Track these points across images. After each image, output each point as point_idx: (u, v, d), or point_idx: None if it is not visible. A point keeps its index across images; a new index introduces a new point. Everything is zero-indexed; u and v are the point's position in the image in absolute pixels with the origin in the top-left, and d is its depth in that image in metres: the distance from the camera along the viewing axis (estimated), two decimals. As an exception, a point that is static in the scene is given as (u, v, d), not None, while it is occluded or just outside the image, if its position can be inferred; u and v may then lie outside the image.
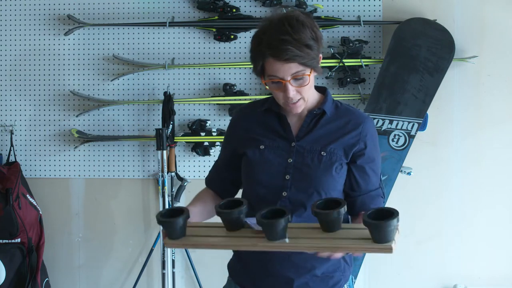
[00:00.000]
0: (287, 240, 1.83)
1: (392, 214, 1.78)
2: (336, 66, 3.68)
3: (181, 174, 3.85)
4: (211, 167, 2.30)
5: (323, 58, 3.38)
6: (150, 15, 3.87)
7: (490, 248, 3.76)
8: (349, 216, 2.12)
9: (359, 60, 3.69)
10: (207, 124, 3.79)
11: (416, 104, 3.60)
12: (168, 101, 3.76)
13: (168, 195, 3.77)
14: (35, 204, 3.78)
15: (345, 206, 1.83)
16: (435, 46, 3.61)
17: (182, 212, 1.90)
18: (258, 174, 2.07)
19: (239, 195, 2.19)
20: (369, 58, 3.73)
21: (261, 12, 3.80)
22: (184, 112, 3.87)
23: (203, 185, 2.27)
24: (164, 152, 3.72)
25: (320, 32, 2.00)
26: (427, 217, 3.80)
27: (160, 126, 3.78)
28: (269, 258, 2.02)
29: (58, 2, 3.92)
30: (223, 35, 3.80)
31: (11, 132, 3.93)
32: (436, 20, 3.67)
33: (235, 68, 3.83)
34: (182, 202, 3.79)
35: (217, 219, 1.97)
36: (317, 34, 1.98)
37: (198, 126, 3.78)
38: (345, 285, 2.11)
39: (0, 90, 3.97)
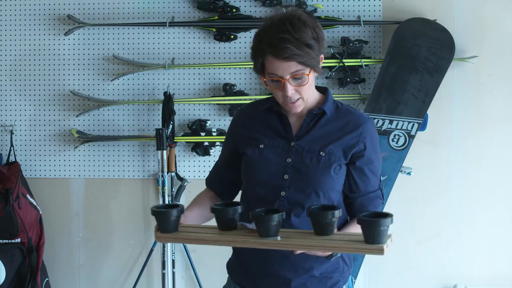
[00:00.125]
0: (279, 238, 1.85)
1: (386, 215, 1.80)
2: (336, 66, 3.68)
3: (181, 174, 3.85)
4: (211, 167, 2.30)
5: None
6: (150, 15, 3.87)
7: (490, 248, 3.76)
8: (348, 217, 2.12)
9: (359, 60, 3.69)
10: (207, 124, 3.79)
11: (416, 104, 3.60)
12: (168, 101, 3.76)
13: (168, 195, 3.77)
14: (35, 204, 3.78)
15: (340, 211, 1.84)
16: (435, 46, 3.61)
17: (177, 207, 1.96)
18: (257, 173, 2.07)
19: (239, 196, 2.20)
20: (369, 58, 3.73)
21: (261, 12, 3.80)
22: (184, 112, 3.87)
23: (203, 185, 2.28)
24: (164, 152, 3.72)
25: (322, 32, 2.00)
26: (427, 217, 3.80)
27: (160, 126, 3.78)
28: (267, 258, 2.02)
29: (58, 2, 3.92)
30: (223, 35, 3.80)
31: (11, 132, 3.93)
32: (436, 20, 3.67)
33: (235, 68, 3.83)
34: (182, 202, 3.79)
35: (214, 223, 1.98)
36: (319, 34, 1.98)
37: (198, 126, 3.78)
38: (343, 286, 2.11)
39: (0, 90, 3.97)
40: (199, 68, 3.84)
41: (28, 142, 3.96)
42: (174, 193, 3.81)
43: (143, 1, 3.88)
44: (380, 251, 1.77)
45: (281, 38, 1.92)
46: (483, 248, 3.77)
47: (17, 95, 3.96)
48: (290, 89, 1.97)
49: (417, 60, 3.61)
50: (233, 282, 2.17)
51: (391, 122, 3.61)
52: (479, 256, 3.78)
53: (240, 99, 3.76)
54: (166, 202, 3.74)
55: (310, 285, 2.04)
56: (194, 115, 3.86)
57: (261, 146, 2.07)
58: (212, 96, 3.83)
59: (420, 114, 3.61)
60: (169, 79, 3.87)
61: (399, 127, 3.61)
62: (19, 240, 3.65)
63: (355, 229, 1.92)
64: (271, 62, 1.95)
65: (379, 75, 3.65)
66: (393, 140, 3.61)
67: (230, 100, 3.77)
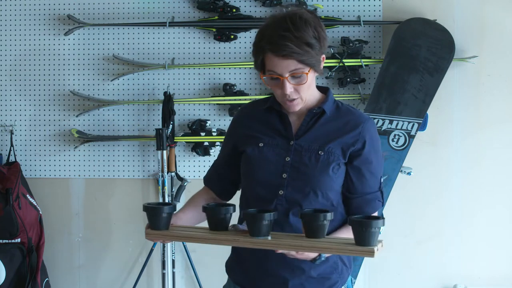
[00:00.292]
0: (269, 238, 1.85)
1: (377, 218, 1.81)
2: (336, 66, 3.68)
3: (181, 174, 3.85)
4: (210, 166, 2.30)
5: (323, 58, 3.38)
6: (150, 15, 3.87)
7: (490, 248, 3.76)
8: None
9: (359, 60, 3.69)
10: (207, 124, 3.79)
11: (416, 104, 3.60)
12: (168, 101, 3.76)
13: (168, 195, 3.77)
14: (35, 204, 3.78)
15: (331, 214, 1.84)
16: (435, 46, 3.61)
17: (169, 205, 1.98)
18: (256, 171, 2.07)
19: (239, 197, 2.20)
20: (369, 58, 3.73)
21: (261, 12, 3.80)
22: (184, 112, 3.87)
23: (203, 185, 2.27)
24: (164, 152, 3.72)
25: (324, 32, 1.99)
26: (427, 217, 3.80)
27: (160, 126, 3.78)
28: (265, 258, 2.02)
29: (58, 2, 3.92)
30: (223, 35, 3.80)
31: (11, 132, 3.93)
32: (436, 20, 3.67)
33: (235, 68, 3.83)
34: (182, 202, 3.79)
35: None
36: (321, 34, 1.97)
37: (198, 126, 3.78)
38: (342, 287, 2.10)
39: (0, 90, 3.97)
40: (199, 68, 3.84)
41: (28, 142, 3.96)
42: (174, 193, 3.81)
43: (143, 1, 3.88)
44: (371, 253, 1.76)
45: (281, 35, 1.92)
46: (483, 248, 3.77)
47: (17, 95, 3.96)
48: (289, 87, 1.97)
49: (417, 60, 3.61)
50: (232, 282, 2.17)
51: (391, 122, 3.61)
52: (479, 256, 3.78)
53: (240, 99, 3.76)
54: (166, 202, 3.74)
55: (308, 286, 2.04)
56: (194, 115, 3.86)
57: (261, 144, 2.07)
58: (212, 96, 3.83)
59: (420, 114, 3.61)
60: (169, 79, 3.87)
61: (399, 127, 3.61)
62: (19, 240, 3.65)
63: (348, 233, 1.92)
64: (270, 59, 1.95)
65: (379, 75, 3.65)
66: (393, 140, 3.61)
67: (230, 100, 3.77)
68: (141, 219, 3.91)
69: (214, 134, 3.76)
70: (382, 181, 2.09)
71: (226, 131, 3.73)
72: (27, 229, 3.66)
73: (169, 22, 3.81)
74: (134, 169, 3.91)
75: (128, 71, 3.87)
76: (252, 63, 2.05)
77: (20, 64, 3.96)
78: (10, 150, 3.91)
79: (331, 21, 3.71)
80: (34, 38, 3.94)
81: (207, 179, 2.25)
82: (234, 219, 2.01)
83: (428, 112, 3.62)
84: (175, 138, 3.78)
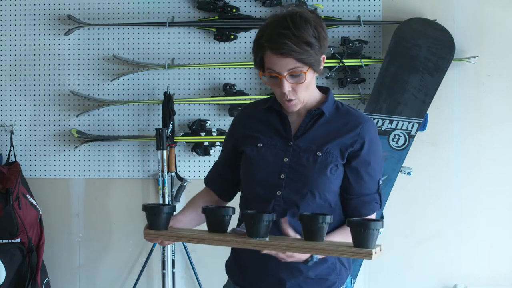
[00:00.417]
0: (267, 239, 1.85)
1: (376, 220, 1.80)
2: (336, 66, 3.68)
3: (181, 174, 3.85)
4: (211, 167, 2.30)
5: (323, 58, 3.38)
6: (150, 15, 3.87)
7: (490, 248, 3.76)
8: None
9: (359, 60, 3.69)
10: (207, 124, 3.79)
11: (416, 104, 3.60)
12: (168, 101, 3.76)
13: (168, 195, 3.77)
14: (35, 204, 3.78)
15: (331, 217, 1.82)
16: (435, 46, 3.61)
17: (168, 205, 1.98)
18: (254, 172, 2.07)
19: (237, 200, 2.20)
20: (369, 58, 3.73)
21: (261, 12, 3.80)
22: (184, 112, 3.87)
23: (203, 185, 2.27)
24: (164, 152, 3.72)
25: (325, 32, 1.98)
26: (427, 217, 3.80)
27: (160, 126, 3.78)
28: (265, 258, 2.01)
29: (58, 2, 3.92)
30: (223, 35, 3.80)
31: (11, 132, 3.93)
32: (436, 20, 3.67)
33: (235, 68, 3.83)
34: (182, 202, 3.79)
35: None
36: (321, 34, 1.96)
37: (198, 126, 3.78)
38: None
39: (0, 90, 3.97)
40: (199, 68, 3.84)
41: (28, 142, 3.96)
42: (174, 193, 3.81)
43: (143, 1, 3.88)
44: (368, 255, 1.74)
45: (281, 33, 1.92)
46: (483, 248, 3.77)
47: (17, 95, 3.96)
48: (287, 86, 1.97)
49: (417, 60, 3.61)
50: (232, 282, 2.17)
51: (391, 122, 3.61)
52: (479, 256, 3.78)
53: (240, 99, 3.76)
54: (166, 202, 3.74)
55: (305, 287, 2.03)
56: (194, 115, 3.86)
57: (260, 145, 2.07)
58: (212, 96, 3.83)
59: (420, 114, 3.61)
60: (169, 79, 3.87)
61: (399, 127, 3.61)
62: (19, 240, 3.65)
63: (343, 234, 1.91)
64: (269, 57, 1.95)
65: (379, 75, 3.65)
66: (393, 140, 3.61)
67: (230, 100, 3.77)
68: (141, 219, 3.90)
69: (214, 134, 3.76)
70: (380, 183, 2.07)
71: (226, 131, 3.75)
72: (27, 229, 3.66)
73: (169, 22, 3.81)
74: (134, 169, 3.91)
75: (128, 71, 3.87)
76: (252, 63, 2.05)
77: (20, 64, 3.96)
78: (10, 150, 3.91)
79: (331, 21, 3.71)
80: (34, 38, 3.94)
81: (207, 180, 2.25)
82: (234, 222, 2.00)
83: (428, 112, 3.62)
84: (175, 138, 3.78)
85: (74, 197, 3.97)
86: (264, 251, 1.85)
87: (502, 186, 3.76)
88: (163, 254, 3.77)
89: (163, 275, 3.78)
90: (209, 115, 3.85)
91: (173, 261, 3.80)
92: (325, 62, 2.05)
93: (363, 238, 1.75)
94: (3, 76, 3.96)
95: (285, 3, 3.73)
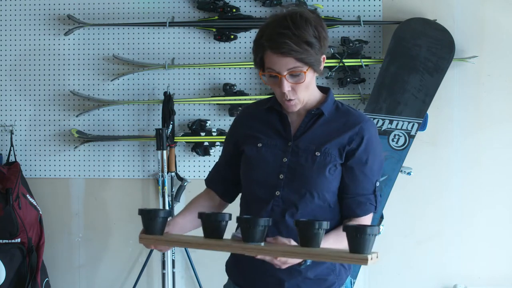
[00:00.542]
0: (262, 244, 1.82)
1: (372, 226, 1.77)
2: (336, 66, 3.68)
3: (181, 174, 3.85)
4: (211, 167, 2.29)
5: (323, 58, 3.38)
6: (150, 15, 3.87)
7: (490, 248, 3.76)
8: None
9: (359, 60, 3.69)
10: (207, 124, 3.79)
11: (416, 104, 3.60)
12: (168, 101, 3.76)
13: (168, 195, 3.77)
14: (35, 204, 3.78)
15: (328, 223, 1.79)
16: (435, 46, 3.61)
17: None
18: (254, 172, 2.07)
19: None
20: (369, 58, 3.73)
21: (261, 12, 3.80)
22: (184, 112, 3.87)
23: (203, 185, 2.27)
24: (164, 152, 3.72)
25: (325, 32, 1.98)
26: (427, 217, 3.80)
27: (160, 126, 3.78)
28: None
29: (58, 2, 3.92)
30: (223, 35, 3.80)
31: (11, 132, 3.93)
32: (436, 20, 3.67)
33: (235, 68, 3.83)
34: (182, 202, 3.79)
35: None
36: (321, 34, 1.96)
37: (198, 126, 3.78)
38: None
39: (0, 90, 3.97)
40: (199, 68, 3.84)
41: (28, 142, 3.96)
42: (174, 193, 3.81)
43: (143, 1, 3.88)
44: (364, 261, 1.72)
45: (281, 33, 1.92)
46: (483, 248, 3.77)
47: (17, 95, 3.96)
48: (287, 86, 1.96)
49: (417, 60, 3.61)
50: (232, 282, 2.17)
51: (391, 122, 3.61)
52: (479, 256, 3.78)
53: (240, 99, 3.76)
54: (166, 202, 3.74)
55: (304, 287, 2.03)
56: (194, 115, 3.86)
57: (259, 145, 2.07)
58: (212, 96, 3.83)
59: (420, 114, 3.61)
60: (169, 79, 3.87)
61: (399, 127, 3.61)
62: (19, 240, 3.65)
63: (339, 237, 1.89)
64: (269, 57, 1.95)
65: (379, 75, 3.65)
66: (393, 140, 3.61)
67: (230, 100, 3.77)
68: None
69: (214, 134, 3.76)
70: (377, 185, 2.04)
71: (226, 131, 3.75)
72: (27, 229, 3.66)
73: (169, 22, 3.81)
74: (134, 169, 3.91)
75: (128, 71, 3.87)
76: (252, 63, 2.05)
77: (20, 64, 3.96)
78: (10, 150, 3.91)
79: (331, 21, 3.71)
80: (34, 38, 3.94)
81: (208, 181, 2.24)
82: (230, 228, 1.96)
83: (428, 112, 3.62)
84: (175, 138, 3.77)
85: (74, 197, 3.97)
86: (258, 256, 1.82)
87: (502, 186, 3.76)
88: (163, 254, 3.77)
89: (163, 275, 3.78)
90: (209, 115, 3.85)
91: (173, 261, 3.80)
92: (325, 62, 2.04)
93: (359, 244, 1.72)
94: (3, 76, 3.96)
95: (285, 3, 3.73)
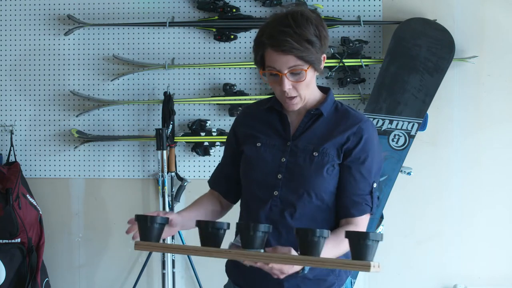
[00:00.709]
0: (262, 250, 1.78)
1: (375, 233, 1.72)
2: (336, 66, 3.68)
3: (181, 174, 3.85)
4: (211, 167, 2.30)
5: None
6: (150, 15, 3.87)
7: (490, 248, 3.76)
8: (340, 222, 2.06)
9: (359, 60, 3.69)
10: (207, 124, 3.79)
11: (416, 104, 3.60)
12: (168, 101, 3.76)
13: (168, 195, 3.77)
14: (35, 204, 3.78)
15: (329, 232, 1.74)
16: (435, 46, 3.61)
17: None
18: (253, 171, 2.07)
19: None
20: (369, 58, 3.73)
21: (261, 12, 3.80)
22: (184, 112, 3.87)
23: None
24: (164, 152, 3.72)
25: (326, 32, 1.99)
26: (427, 217, 3.80)
27: (160, 126, 3.78)
28: None
29: (58, 2, 3.92)
30: (223, 35, 3.80)
31: (11, 132, 3.93)
32: (436, 20, 3.67)
33: (235, 68, 3.83)
34: (182, 202, 3.79)
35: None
36: (322, 33, 1.97)
37: (198, 126, 3.79)
38: None
39: (0, 90, 3.97)
40: (199, 68, 3.84)
41: (28, 142, 3.96)
42: (174, 193, 3.81)
43: (143, 1, 3.88)
44: (366, 267, 1.67)
45: (282, 31, 1.92)
46: (483, 248, 3.77)
47: (17, 95, 3.96)
48: (287, 84, 1.96)
49: (417, 60, 3.61)
50: (231, 282, 2.17)
51: (391, 122, 3.61)
52: (479, 256, 3.78)
53: (240, 99, 3.76)
54: (166, 202, 3.74)
55: (304, 287, 2.03)
56: (194, 115, 3.86)
57: (258, 144, 2.07)
58: (212, 96, 3.83)
59: (420, 114, 3.61)
60: (169, 79, 3.87)
61: (399, 127, 3.61)
62: (19, 240, 3.65)
63: (337, 242, 1.88)
64: (270, 55, 1.95)
65: (379, 75, 3.65)
66: (393, 140, 3.61)
67: (230, 100, 3.77)
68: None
69: (214, 134, 3.76)
70: (375, 186, 2.02)
71: (226, 131, 3.75)
72: (27, 229, 3.66)
73: (169, 22, 3.81)
74: (134, 169, 3.91)
75: (128, 71, 3.87)
76: (252, 63, 2.05)
77: (20, 64, 3.96)
78: (10, 150, 3.91)
79: (331, 21, 3.71)
80: (34, 38, 3.94)
81: (211, 182, 2.24)
82: (228, 237, 1.90)
83: (428, 112, 3.62)
84: (175, 138, 3.77)
85: (74, 197, 3.97)
86: (258, 264, 1.79)
87: (502, 186, 3.76)
88: (163, 254, 3.77)
89: (163, 275, 3.78)
90: (209, 115, 3.85)
91: (173, 261, 3.80)
92: (325, 62, 2.04)
93: (362, 249, 1.68)
94: (3, 76, 3.96)
95: (285, 3, 3.73)
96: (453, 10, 3.73)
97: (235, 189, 2.19)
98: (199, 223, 1.84)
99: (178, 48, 3.87)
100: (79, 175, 3.95)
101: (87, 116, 3.91)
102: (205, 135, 3.77)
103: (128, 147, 3.91)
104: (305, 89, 2.00)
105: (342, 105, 2.10)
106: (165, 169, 3.74)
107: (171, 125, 3.75)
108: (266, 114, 2.12)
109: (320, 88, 2.11)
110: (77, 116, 3.90)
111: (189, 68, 3.85)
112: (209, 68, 3.83)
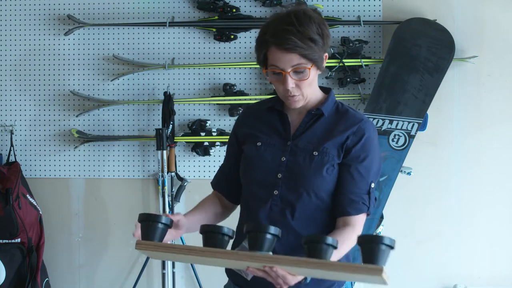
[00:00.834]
0: (270, 253, 1.74)
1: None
2: (336, 66, 3.68)
3: (181, 174, 3.85)
4: (211, 167, 2.30)
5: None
6: (150, 15, 3.87)
7: (490, 248, 3.76)
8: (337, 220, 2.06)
9: (359, 60, 3.69)
10: (207, 124, 3.79)
11: (416, 104, 3.60)
12: (168, 101, 3.76)
13: (168, 195, 3.77)
14: (35, 204, 3.78)
15: (337, 241, 1.70)
16: (435, 46, 3.61)
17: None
18: (253, 170, 2.07)
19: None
20: (369, 58, 3.73)
21: (261, 12, 3.80)
22: (184, 112, 3.87)
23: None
24: (164, 152, 3.72)
25: (328, 30, 1.99)
26: (427, 217, 3.80)
27: (160, 126, 3.78)
28: None
29: (58, 2, 3.92)
30: (223, 35, 3.80)
31: (11, 132, 3.93)
32: (436, 20, 3.67)
33: (235, 68, 3.83)
34: (182, 202, 3.80)
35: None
36: (324, 31, 1.97)
37: (198, 126, 3.79)
38: None
39: (0, 90, 3.97)
40: (199, 68, 3.84)
41: (28, 142, 3.96)
42: (174, 193, 3.81)
43: (143, 1, 3.88)
44: (379, 271, 1.62)
45: (285, 29, 1.92)
46: (483, 248, 3.77)
47: (17, 95, 3.96)
48: (291, 83, 1.96)
49: (417, 60, 3.61)
50: (231, 282, 2.17)
51: (391, 122, 3.61)
52: (479, 256, 3.78)
53: (240, 99, 3.76)
54: (166, 202, 3.74)
55: (304, 287, 2.03)
56: (194, 115, 3.86)
57: (259, 144, 2.07)
58: (212, 96, 3.83)
59: (420, 114, 3.61)
60: (169, 79, 3.87)
61: (399, 127, 3.61)
62: (19, 240, 3.65)
63: (340, 246, 1.84)
64: (273, 53, 1.95)
65: (379, 75, 3.65)
66: (393, 140, 3.61)
67: (230, 100, 3.77)
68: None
69: (214, 134, 3.76)
70: (373, 186, 2.01)
71: (226, 131, 3.75)
72: (27, 229, 3.66)
73: (169, 22, 3.81)
74: (134, 169, 3.91)
75: (128, 71, 3.87)
76: (253, 63, 2.06)
77: (20, 64, 3.96)
78: (10, 150, 3.91)
79: (331, 21, 3.71)
80: (34, 38, 3.94)
81: (214, 183, 2.24)
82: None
83: (428, 112, 3.62)
84: (175, 138, 3.77)
85: (74, 197, 3.97)
86: (260, 274, 1.76)
87: (502, 186, 3.76)
88: (163, 254, 3.77)
89: (163, 275, 3.78)
90: (209, 115, 3.85)
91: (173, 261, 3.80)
92: (326, 62, 2.04)
93: (374, 254, 1.64)
94: (3, 76, 3.96)
95: (285, 3, 3.73)
96: (453, 10, 3.73)
97: (237, 190, 2.19)
98: (202, 228, 1.80)
99: (178, 48, 3.87)
100: (79, 175, 3.95)
101: (87, 116, 3.91)
102: (205, 135, 3.77)
103: (128, 147, 3.91)
104: (308, 88, 2.00)
105: (343, 106, 2.10)
106: (165, 169, 3.74)
107: (171, 125, 3.75)
108: (267, 114, 2.12)
109: (321, 88, 2.11)
110: (77, 116, 3.90)
111: (189, 68, 3.85)
112: (209, 68, 3.83)
